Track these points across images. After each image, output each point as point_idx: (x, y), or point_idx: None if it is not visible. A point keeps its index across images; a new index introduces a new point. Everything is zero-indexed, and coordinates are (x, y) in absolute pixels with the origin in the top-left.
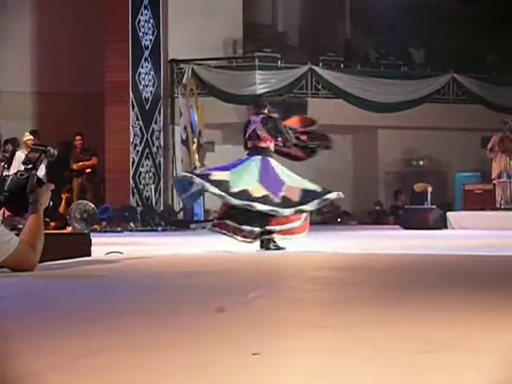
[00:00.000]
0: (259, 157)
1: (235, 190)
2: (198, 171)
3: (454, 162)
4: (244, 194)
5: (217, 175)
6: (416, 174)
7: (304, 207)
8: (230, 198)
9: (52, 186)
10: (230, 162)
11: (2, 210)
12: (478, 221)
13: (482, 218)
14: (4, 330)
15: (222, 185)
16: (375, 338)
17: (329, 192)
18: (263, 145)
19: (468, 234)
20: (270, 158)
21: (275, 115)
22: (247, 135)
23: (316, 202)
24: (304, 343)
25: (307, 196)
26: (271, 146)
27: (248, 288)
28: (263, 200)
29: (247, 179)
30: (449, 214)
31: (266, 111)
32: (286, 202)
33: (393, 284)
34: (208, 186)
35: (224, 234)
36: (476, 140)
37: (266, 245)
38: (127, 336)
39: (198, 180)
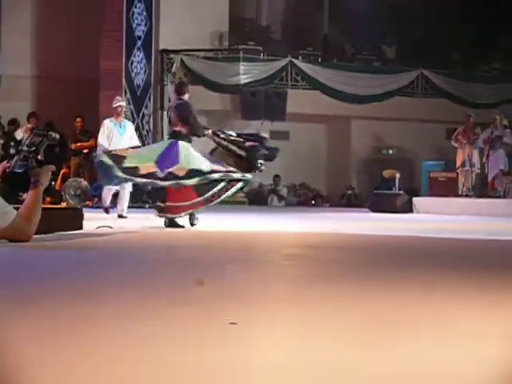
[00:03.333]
0: (171, 140)
1: (126, 165)
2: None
3: (420, 151)
4: (131, 171)
5: (121, 152)
6: (385, 161)
7: (182, 181)
8: (118, 172)
9: (53, 168)
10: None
11: None
12: (442, 206)
13: (446, 204)
14: None
15: (118, 161)
16: (342, 312)
17: (231, 175)
18: (175, 128)
19: (432, 218)
20: (180, 142)
21: (186, 101)
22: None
23: (196, 179)
24: (276, 315)
25: (191, 173)
26: (183, 130)
27: (227, 263)
28: (146, 176)
29: (144, 158)
30: (415, 199)
31: (185, 97)
32: (168, 177)
33: (362, 261)
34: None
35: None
36: (441, 131)
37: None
38: (115, 306)
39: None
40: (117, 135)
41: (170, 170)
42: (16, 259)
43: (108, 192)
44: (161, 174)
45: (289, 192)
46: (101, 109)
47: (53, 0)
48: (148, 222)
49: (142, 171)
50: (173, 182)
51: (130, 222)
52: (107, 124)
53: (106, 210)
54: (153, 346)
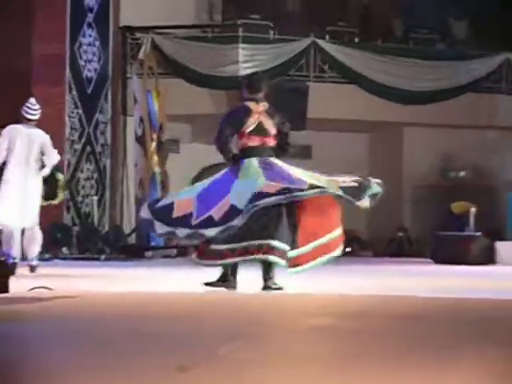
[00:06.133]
0: (254, 159)
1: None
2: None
3: (507, 173)
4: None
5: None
6: (455, 189)
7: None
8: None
9: None
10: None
11: None
12: None
13: None
14: None
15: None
16: None
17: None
18: (270, 143)
19: None
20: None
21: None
22: (248, 130)
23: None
24: None
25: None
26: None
27: (221, 340)
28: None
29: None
30: (498, 244)
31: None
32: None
33: (416, 336)
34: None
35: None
36: None
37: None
38: None
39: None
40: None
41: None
42: None
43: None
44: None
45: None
46: None
47: None
48: (103, 280)
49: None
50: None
51: (76, 282)
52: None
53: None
54: None
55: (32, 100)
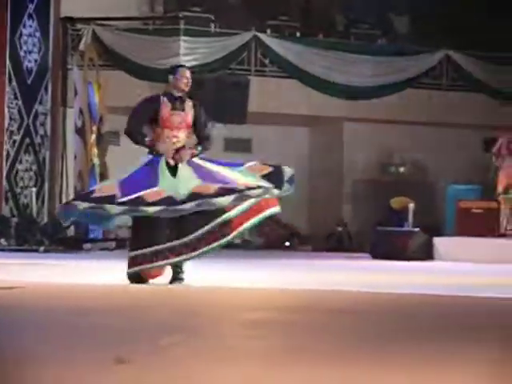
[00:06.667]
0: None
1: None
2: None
3: (446, 169)
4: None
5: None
6: (394, 184)
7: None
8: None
9: None
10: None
11: None
12: (476, 250)
13: (481, 247)
14: None
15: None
16: None
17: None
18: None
19: (461, 268)
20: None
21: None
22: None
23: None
24: None
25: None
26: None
27: (160, 332)
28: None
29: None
30: (436, 239)
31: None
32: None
33: (357, 331)
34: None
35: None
36: (476, 141)
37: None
38: None
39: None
40: None
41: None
42: None
43: None
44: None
45: (251, 229)
46: None
47: None
48: (42, 272)
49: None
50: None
51: (14, 273)
52: None
53: None
54: None
55: None
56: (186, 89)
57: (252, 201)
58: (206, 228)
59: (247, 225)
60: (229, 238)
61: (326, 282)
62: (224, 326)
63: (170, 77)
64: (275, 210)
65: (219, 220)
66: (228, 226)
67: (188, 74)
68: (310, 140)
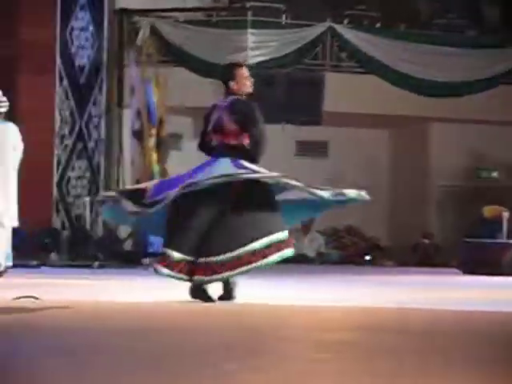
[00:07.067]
0: (227, 159)
1: None
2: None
3: None
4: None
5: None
6: (486, 191)
7: None
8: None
9: None
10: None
11: None
12: None
13: None
14: None
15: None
16: None
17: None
18: (232, 142)
19: None
20: (242, 161)
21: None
22: (210, 127)
23: None
24: None
25: None
26: (244, 142)
27: (226, 356)
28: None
29: None
30: None
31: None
32: None
33: (437, 352)
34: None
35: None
36: None
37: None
38: None
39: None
40: None
41: None
42: None
43: None
44: None
45: (327, 242)
46: (19, 102)
47: None
48: (96, 290)
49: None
50: None
51: (66, 291)
52: None
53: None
54: None
55: None
56: (251, 89)
57: (279, 235)
58: (235, 253)
59: (267, 261)
60: (251, 266)
61: (405, 301)
62: (294, 348)
63: (231, 83)
64: (290, 252)
65: (247, 248)
66: (253, 255)
67: (246, 71)
68: (390, 142)
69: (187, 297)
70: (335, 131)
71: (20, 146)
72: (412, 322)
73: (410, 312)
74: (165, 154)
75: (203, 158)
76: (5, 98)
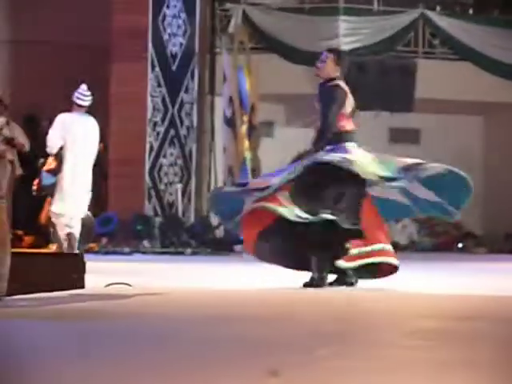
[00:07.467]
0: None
1: None
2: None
3: None
4: None
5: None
6: None
7: None
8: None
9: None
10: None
11: None
12: None
13: None
14: None
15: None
16: None
17: None
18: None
19: None
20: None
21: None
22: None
23: None
24: None
25: None
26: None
27: (316, 342)
28: None
29: None
30: None
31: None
32: None
33: None
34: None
35: None
36: None
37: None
38: None
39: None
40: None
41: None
42: None
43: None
44: None
45: (419, 230)
46: (111, 89)
47: None
48: (188, 277)
49: None
50: None
51: (158, 278)
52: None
53: None
54: None
55: (83, 86)
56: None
57: None
58: None
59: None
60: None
61: (499, 289)
62: (386, 336)
63: None
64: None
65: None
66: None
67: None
68: (484, 130)
69: (283, 284)
70: (427, 118)
71: (97, 141)
72: (506, 309)
73: (506, 300)
74: (257, 141)
75: (294, 144)
76: (89, 93)
